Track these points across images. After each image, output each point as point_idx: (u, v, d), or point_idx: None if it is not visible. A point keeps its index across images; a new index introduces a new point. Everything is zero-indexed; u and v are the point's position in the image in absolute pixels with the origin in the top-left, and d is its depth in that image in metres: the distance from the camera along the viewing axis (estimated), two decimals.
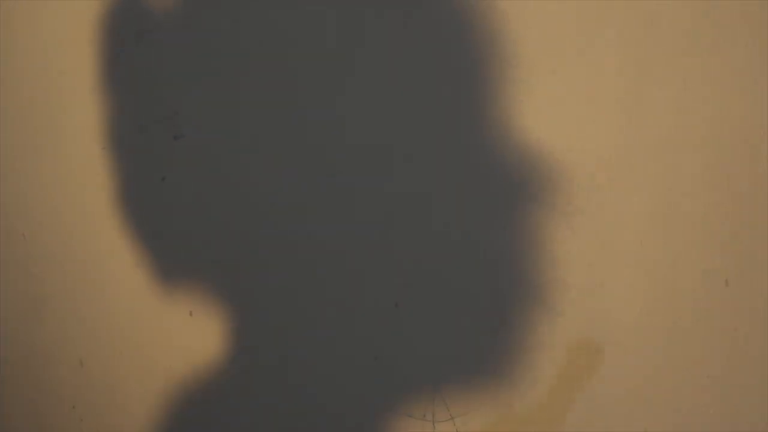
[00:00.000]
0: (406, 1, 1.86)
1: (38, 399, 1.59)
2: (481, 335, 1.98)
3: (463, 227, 1.96)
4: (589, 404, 2.09)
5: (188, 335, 1.68)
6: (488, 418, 1.99)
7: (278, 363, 1.76)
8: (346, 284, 1.83)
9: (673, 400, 2.25)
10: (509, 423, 2.02)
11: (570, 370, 2.05)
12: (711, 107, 2.10)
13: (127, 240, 1.65)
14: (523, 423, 2.03)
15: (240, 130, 1.72)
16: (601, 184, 1.86)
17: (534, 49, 1.95)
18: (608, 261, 1.88)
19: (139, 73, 1.63)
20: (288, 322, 1.77)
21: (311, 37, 1.79)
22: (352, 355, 1.83)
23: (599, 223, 1.87)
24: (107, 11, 1.60)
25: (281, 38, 1.76)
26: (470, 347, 1.97)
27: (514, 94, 1.93)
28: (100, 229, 1.62)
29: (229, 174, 1.71)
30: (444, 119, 1.93)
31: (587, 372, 2.05)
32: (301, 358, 1.79)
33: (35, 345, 1.57)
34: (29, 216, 1.59)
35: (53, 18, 1.58)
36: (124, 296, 1.65)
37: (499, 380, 2.00)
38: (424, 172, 1.91)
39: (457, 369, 1.95)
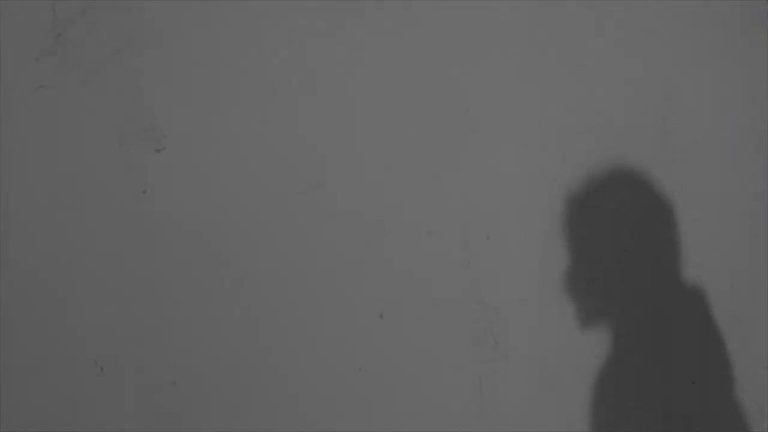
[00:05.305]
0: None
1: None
2: (465, 344, 1.98)
3: (448, 237, 1.96)
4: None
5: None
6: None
7: (264, 370, 1.76)
8: (332, 295, 1.83)
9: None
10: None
11: None
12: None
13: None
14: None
15: (224, 141, 1.73)
16: None
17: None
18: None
19: (119, 86, 1.63)
20: (273, 332, 1.77)
21: (294, 48, 1.80)
22: (337, 365, 1.83)
23: None
24: (82, 28, 1.60)
25: (265, 49, 1.77)
26: (454, 357, 1.97)
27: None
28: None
29: (213, 184, 1.71)
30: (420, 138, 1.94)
31: None
32: (287, 367, 1.78)
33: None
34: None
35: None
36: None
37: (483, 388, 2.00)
38: (408, 184, 1.92)
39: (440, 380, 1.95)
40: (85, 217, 1.61)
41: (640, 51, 2.21)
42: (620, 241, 2.13)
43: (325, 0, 1.81)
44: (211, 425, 1.71)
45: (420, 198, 1.92)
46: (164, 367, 1.67)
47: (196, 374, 1.69)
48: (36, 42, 1.58)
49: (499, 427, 2.01)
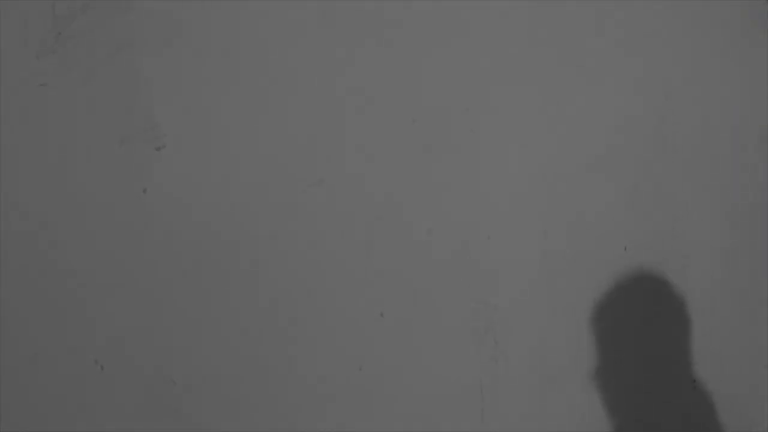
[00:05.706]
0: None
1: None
2: (465, 344, 1.98)
3: (448, 237, 1.96)
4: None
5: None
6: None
7: (264, 370, 1.76)
8: (332, 293, 1.82)
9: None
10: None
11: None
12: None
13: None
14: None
15: (224, 140, 1.72)
16: None
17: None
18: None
19: (119, 85, 1.63)
20: (273, 331, 1.77)
21: (293, 48, 1.80)
22: (337, 365, 1.83)
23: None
24: (82, 27, 1.60)
25: (264, 49, 1.77)
26: (454, 357, 1.97)
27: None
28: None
29: (213, 183, 1.71)
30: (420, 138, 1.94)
31: None
32: (287, 367, 1.78)
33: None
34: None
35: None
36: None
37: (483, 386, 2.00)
38: (409, 183, 1.92)
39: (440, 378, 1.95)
40: (85, 216, 1.61)
41: (640, 51, 2.21)
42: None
43: (325, 0, 1.81)
44: (211, 425, 1.70)
45: (420, 197, 1.92)
46: (164, 366, 1.67)
47: (195, 374, 1.69)
48: (36, 40, 1.58)
49: (499, 427, 2.01)
